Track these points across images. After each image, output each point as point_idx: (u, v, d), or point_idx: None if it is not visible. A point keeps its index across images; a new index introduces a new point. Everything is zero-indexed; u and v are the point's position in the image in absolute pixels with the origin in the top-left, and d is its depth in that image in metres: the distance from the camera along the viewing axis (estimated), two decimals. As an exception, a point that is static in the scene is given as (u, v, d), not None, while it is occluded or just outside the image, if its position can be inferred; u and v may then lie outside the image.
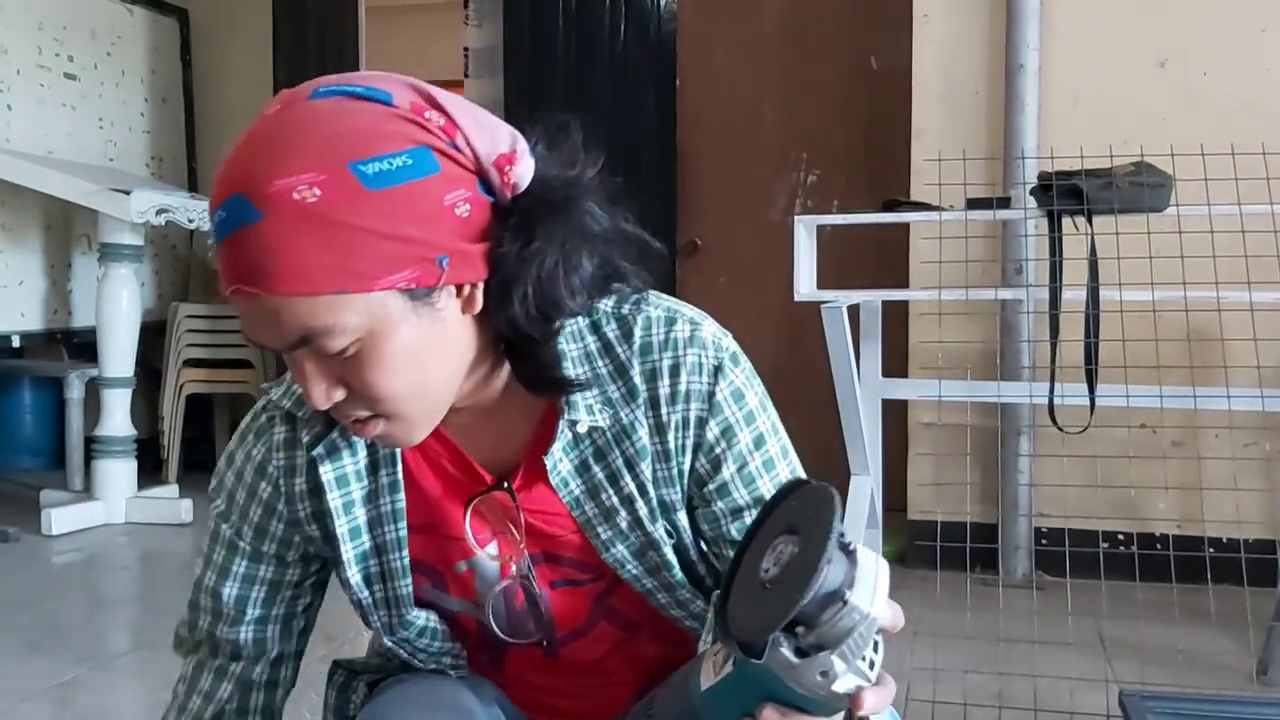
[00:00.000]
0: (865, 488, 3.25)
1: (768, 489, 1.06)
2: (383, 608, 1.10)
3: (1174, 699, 2.09)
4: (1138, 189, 2.72)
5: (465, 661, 1.15)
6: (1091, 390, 2.80)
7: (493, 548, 1.09)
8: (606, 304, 1.04)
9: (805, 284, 3.09)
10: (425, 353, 0.92)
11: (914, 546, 3.63)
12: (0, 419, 5.06)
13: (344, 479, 1.06)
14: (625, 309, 1.04)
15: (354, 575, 1.08)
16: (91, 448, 4.47)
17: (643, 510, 1.05)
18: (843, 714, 0.84)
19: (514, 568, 1.09)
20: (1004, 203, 3.06)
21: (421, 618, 1.10)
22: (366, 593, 1.09)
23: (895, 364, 3.62)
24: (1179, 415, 3.34)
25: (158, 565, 3.99)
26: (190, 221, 4.45)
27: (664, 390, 1.03)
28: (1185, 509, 3.48)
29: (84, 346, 4.74)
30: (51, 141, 4.69)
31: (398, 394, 0.92)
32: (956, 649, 2.76)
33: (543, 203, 0.93)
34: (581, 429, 1.03)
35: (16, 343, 4.59)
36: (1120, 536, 3.48)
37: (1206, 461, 3.41)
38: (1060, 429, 2.82)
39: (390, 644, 1.12)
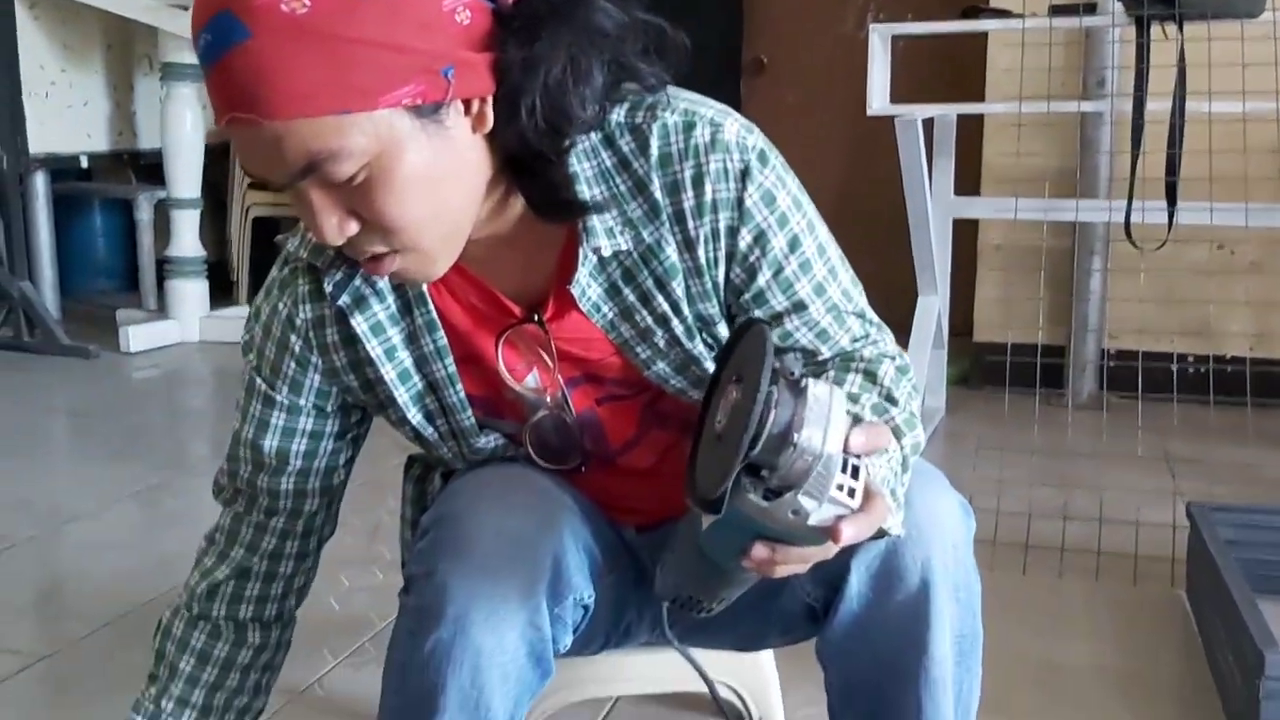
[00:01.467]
0: (932, 308, 3.23)
1: (806, 291, 1.03)
2: (449, 439, 1.11)
3: (1243, 510, 2.10)
4: (1233, -9, 2.58)
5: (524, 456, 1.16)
6: (1172, 205, 2.71)
7: (532, 379, 1.08)
8: (619, 114, 0.97)
9: (879, 98, 3.00)
10: (438, 176, 0.88)
11: (979, 368, 3.62)
12: (74, 242, 5.14)
13: (378, 326, 1.04)
14: (639, 118, 0.97)
15: (414, 416, 1.08)
16: (163, 269, 4.54)
17: (679, 328, 1.03)
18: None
19: (549, 398, 1.09)
20: (1090, 8, 2.92)
21: (491, 441, 1.11)
22: (431, 429, 1.10)
23: (966, 183, 3.53)
24: (1259, 235, 3.24)
25: (232, 381, 4.05)
26: (249, 39, 4.39)
27: (689, 203, 0.98)
28: (1261, 328, 3.42)
29: (151, 169, 4.77)
30: (109, -43, 4.62)
31: (412, 222, 0.88)
32: (1022, 464, 2.78)
33: (547, 4, 0.88)
34: (605, 253, 0.99)
35: (85, 164, 4.63)
36: (1191, 358, 3.44)
37: (1285, 281, 3.33)
38: (1136, 246, 2.75)
39: (462, 464, 1.13)
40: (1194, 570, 2.04)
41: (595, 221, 0.98)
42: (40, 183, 4.51)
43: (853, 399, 0.98)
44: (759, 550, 0.83)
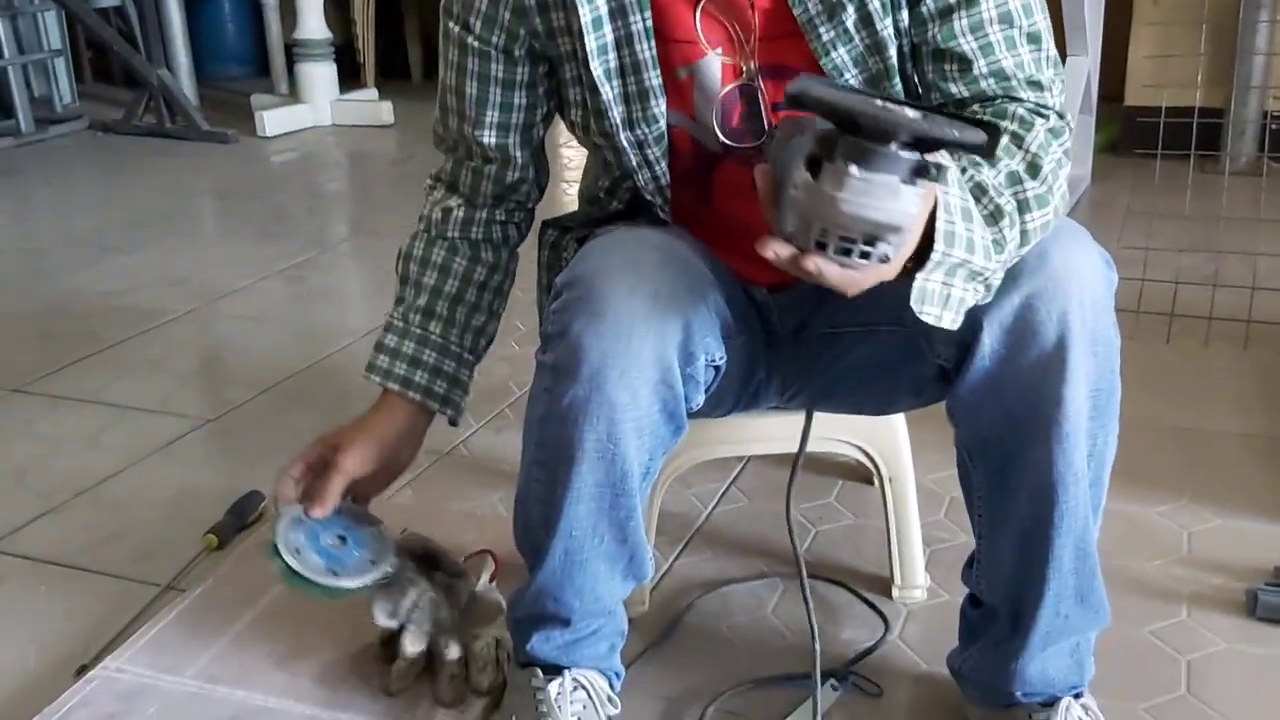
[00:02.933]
0: (1082, 70, 3.05)
1: None
2: (621, 103, 1.10)
3: None
4: None
5: (670, 197, 1.15)
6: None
7: (720, 51, 1.08)
8: None
9: None
10: None
11: (1130, 132, 3.43)
12: (204, 29, 5.18)
13: None
14: None
15: (597, 67, 1.08)
16: (292, 53, 4.57)
17: (875, 3, 1.02)
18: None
19: (744, 68, 1.08)
20: None
21: (666, 117, 1.10)
22: (608, 86, 1.09)
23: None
24: None
25: (366, 163, 4.16)
26: None
27: None
28: None
29: (275, -49, 4.73)
30: None
31: None
32: (1171, 231, 2.67)
33: None
34: None
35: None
36: (1365, 118, 3.20)
37: None
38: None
39: (624, 142, 1.11)
40: (1352, 337, 1.96)
41: None
42: (168, -31, 4.53)
43: (990, 164, 0.95)
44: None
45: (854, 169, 0.76)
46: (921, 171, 0.77)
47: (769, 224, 0.83)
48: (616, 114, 1.10)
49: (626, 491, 1.04)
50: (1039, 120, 1.00)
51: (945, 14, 1.02)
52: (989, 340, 0.99)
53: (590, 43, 1.07)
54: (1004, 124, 0.99)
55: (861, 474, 1.69)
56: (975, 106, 1.03)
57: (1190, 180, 2.61)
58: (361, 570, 1.18)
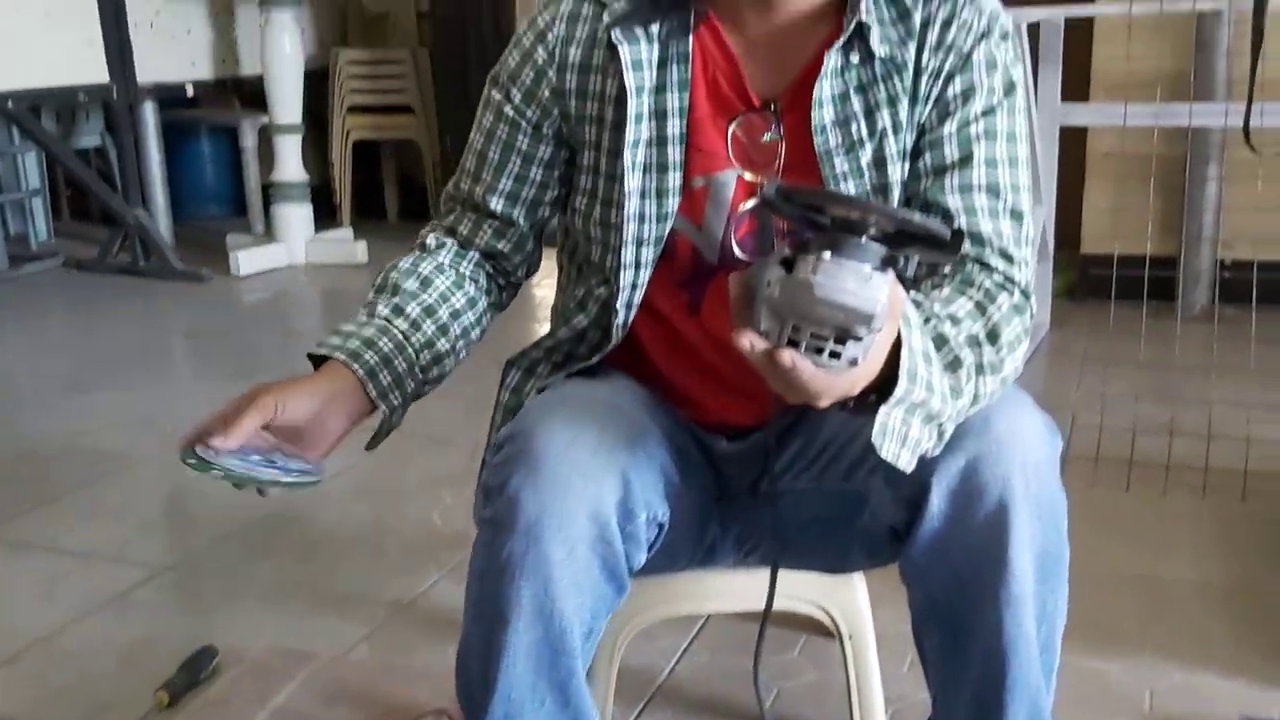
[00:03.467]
0: (1037, 219, 3.14)
1: (978, 155, 1.07)
2: (638, 197, 1.13)
3: (1360, 425, 2.03)
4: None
5: (635, 310, 1.16)
6: (1294, 107, 2.59)
7: (739, 168, 1.13)
8: None
9: (979, 1, 2.90)
10: None
11: (1086, 279, 3.53)
12: (182, 168, 5.27)
13: (638, 64, 1.11)
14: None
15: (629, 158, 1.12)
16: (268, 194, 4.65)
17: (892, 147, 1.09)
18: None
19: (762, 184, 1.12)
20: (1209, -102, 2.76)
21: (673, 220, 1.13)
22: (635, 177, 1.13)
23: (1074, 90, 3.41)
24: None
25: (339, 302, 4.19)
26: (344, -38, 4.42)
27: (933, 38, 1.08)
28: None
29: (254, 96, 4.85)
30: (205, -115, 4.66)
31: None
32: (1127, 378, 2.72)
33: None
34: (874, 44, 1.08)
35: (190, 92, 4.72)
36: (1312, 267, 3.29)
37: None
38: (1255, 151, 2.63)
39: (628, 235, 1.13)
40: (1306, 487, 1.99)
41: (868, 17, 1.07)
42: (149, 112, 4.63)
43: (954, 321, 0.98)
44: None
45: (827, 254, 0.79)
46: (891, 263, 0.81)
47: (737, 326, 0.85)
48: (631, 206, 1.13)
49: (567, 651, 1.02)
50: (1004, 294, 1.04)
51: (940, 171, 1.08)
52: (937, 501, 1.01)
53: (629, 133, 1.12)
54: (970, 291, 1.03)
55: (826, 628, 1.68)
56: (948, 267, 1.07)
57: (1144, 328, 2.68)
58: (291, 471, 1.04)
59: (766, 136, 1.12)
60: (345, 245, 4.62)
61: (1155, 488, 2.20)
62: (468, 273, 1.23)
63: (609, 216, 1.15)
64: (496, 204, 1.21)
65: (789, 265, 0.81)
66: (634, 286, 1.15)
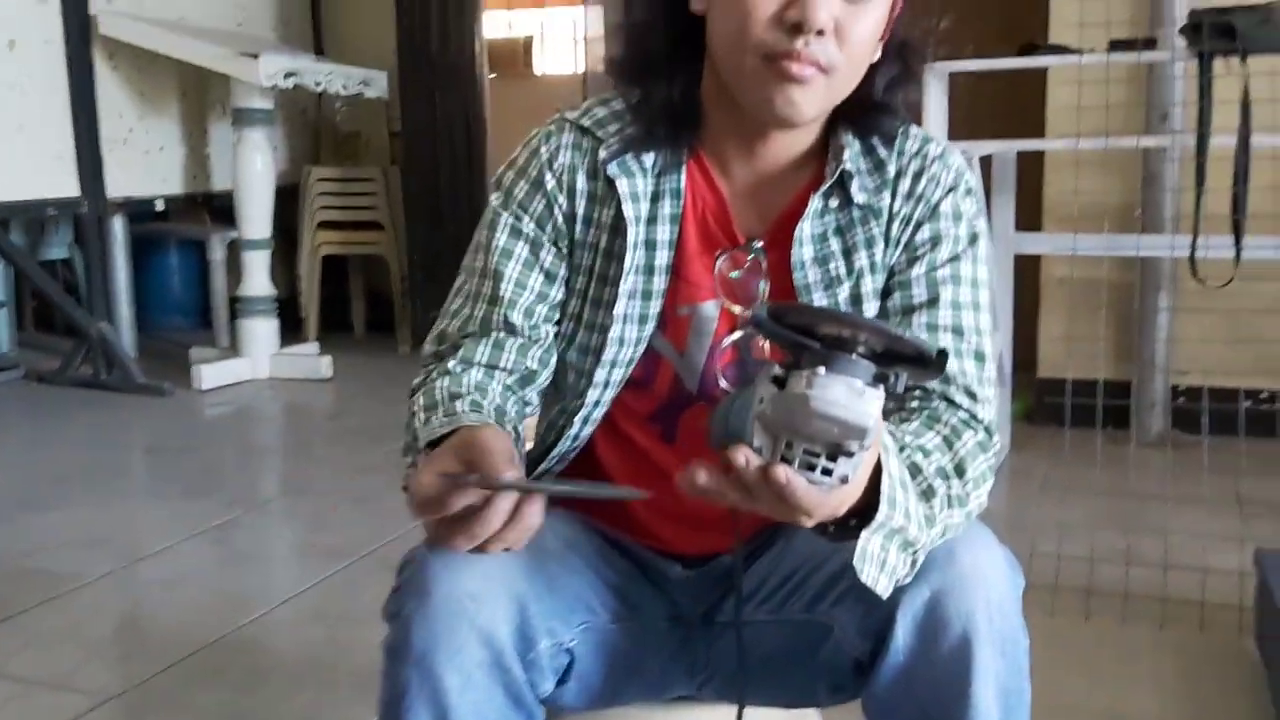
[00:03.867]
0: (995, 346, 3.19)
1: (946, 300, 1.11)
2: (622, 321, 1.15)
3: (1312, 556, 2.05)
4: (1299, 25, 2.54)
5: (594, 426, 1.17)
6: (1238, 241, 2.67)
7: (723, 299, 1.16)
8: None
9: (936, 134, 3.00)
10: (873, 44, 1.10)
11: (1043, 404, 3.58)
12: (150, 281, 5.29)
13: (636, 196, 1.15)
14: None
15: (624, 285, 1.14)
16: (235, 307, 4.66)
17: (868, 286, 1.13)
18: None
19: (745, 315, 1.15)
20: (1150, 44, 2.89)
21: (659, 347, 1.16)
22: (622, 303, 1.15)
23: (1030, 217, 3.50)
24: (1333, 269, 3.17)
25: (302, 417, 4.18)
26: (317, 85, 4.51)
27: (904, 186, 1.14)
28: (1334, 366, 3.33)
29: (224, 210, 4.90)
30: (182, 7, 4.77)
31: (860, 50, 1.07)
32: (1085, 505, 2.74)
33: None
34: (853, 190, 1.13)
35: (160, 206, 4.77)
36: (1264, 394, 3.36)
37: (1361, 317, 3.24)
38: (1201, 282, 2.71)
39: (606, 356, 1.14)
40: (1263, 618, 2.00)
41: (849, 165, 1.13)
42: (118, 226, 4.66)
43: (925, 452, 1.01)
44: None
45: (822, 369, 0.81)
46: (882, 379, 0.83)
47: (724, 447, 0.85)
48: (615, 330, 1.15)
49: None
50: (969, 430, 1.07)
51: (908, 311, 1.12)
52: (901, 633, 1.01)
53: (627, 261, 1.14)
54: (937, 425, 1.06)
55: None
56: (914, 402, 1.10)
57: (1101, 455, 2.71)
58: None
59: (744, 271, 1.15)
60: (310, 360, 4.62)
61: (1114, 617, 2.20)
62: (498, 399, 1.15)
63: (589, 341, 1.17)
64: (518, 316, 1.17)
65: (781, 383, 0.83)
66: (596, 404, 1.17)
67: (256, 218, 4.52)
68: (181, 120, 4.81)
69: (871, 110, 1.14)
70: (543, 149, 1.19)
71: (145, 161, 4.64)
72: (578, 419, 1.17)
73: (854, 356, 0.82)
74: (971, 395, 1.10)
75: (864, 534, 0.90)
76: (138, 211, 4.74)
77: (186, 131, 4.83)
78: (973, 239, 1.15)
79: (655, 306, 1.16)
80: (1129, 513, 2.65)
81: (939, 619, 1.00)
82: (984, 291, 1.15)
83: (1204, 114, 2.69)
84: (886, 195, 1.14)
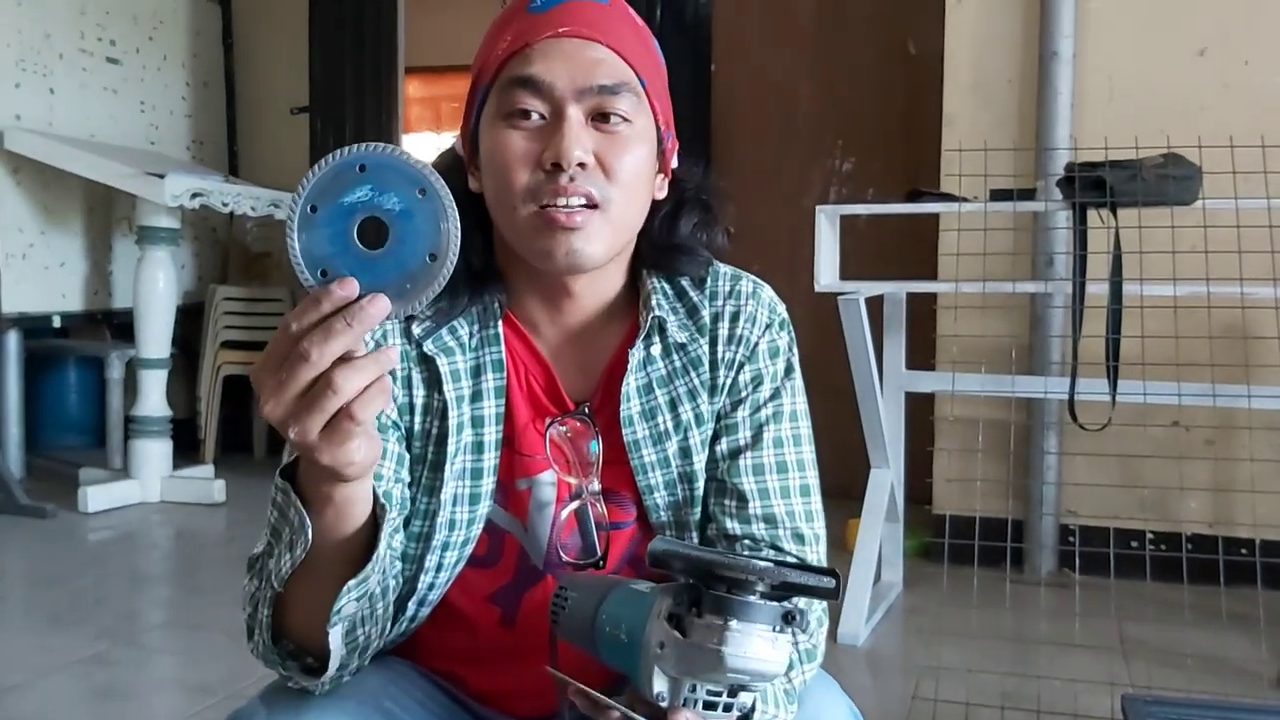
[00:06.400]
0: (884, 481, 3.22)
1: (769, 438, 1.13)
2: (451, 505, 1.10)
3: (1177, 704, 2.05)
4: (1164, 181, 2.66)
5: (431, 604, 1.13)
6: (1113, 387, 2.75)
7: (556, 470, 1.14)
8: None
9: (827, 274, 3.07)
10: (646, 177, 1.09)
11: (935, 542, 3.60)
12: (45, 398, 5.16)
13: (456, 374, 1.12)
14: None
15: (448, 469, 1.10)
16: (129, 427, 4.55)
17: (695, 438, 1.13)
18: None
19: (582, 487, 1.13)
20: (1027, 194, 3.00)
21: (502, 521, 1.13)
22: (450, 487, 1.10)
23: (924, 356, 3.57)
24: (1211, 414, 3.26)
25: (189, 544, 4.05)
26: (225, 205, 4.50)
27: (724, 331, 1.15)
28: (1218, 509, 3.41)
29: (126, 327, 4.81)
30: (94, 125, 4.76)
31: (629, 180, 1.06)
32: (970, 646, 2.73)
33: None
34: (669, 329, 1.13)
35: (57, 323, 4.67)
36: (1150, 536, 3.41)
37: (1241, 462, 3.33)
38: (1081, 426, 2.77)
39: (437, 540, 1.10)
40: (1131, 767, 1.99)
41: (661, 311, 1.14)
42: (11, 341, 4.55)
43: None
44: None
45: (733, 622, 0.79)
46: (789, 618, 0.82)
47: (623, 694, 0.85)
48: (445, 514, 1.11)
49: None
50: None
51: (735, 454, 1.13)
52: None
53: (450, 445, 1.10)
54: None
55: None
56: (744, 549, 1.10)
57: (990, 593, 2.72)
58: None
59: (574, 435, 1.14)
60: (203, 484, 4.50)
61: (990, 765, 2.18)
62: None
63: (420, 528, 1.12)
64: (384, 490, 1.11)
65: (677, 622, 0.82)
66: (431, 587, 1.13)
67: (155, 337, 4.45)
68: (85, 235, 4.75)
69: (673, 252, 1.15)
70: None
71: (45, 277, 4.56)
72: (411, 602, 1.13)
73: (756, 599, 0.80)
74: (800, 537, 1.11)
75: None
76: (36, 327, 4.65)
77: (90, 247, 4.77)
78: (788, 371, 1.18)
79: (488, 484, 1.13)
80: (1012, 654, 2.65)
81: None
82: (804, 423, 1.17)
83: (1079, 262, 2.79)
84: (704, 343, 1.15)
